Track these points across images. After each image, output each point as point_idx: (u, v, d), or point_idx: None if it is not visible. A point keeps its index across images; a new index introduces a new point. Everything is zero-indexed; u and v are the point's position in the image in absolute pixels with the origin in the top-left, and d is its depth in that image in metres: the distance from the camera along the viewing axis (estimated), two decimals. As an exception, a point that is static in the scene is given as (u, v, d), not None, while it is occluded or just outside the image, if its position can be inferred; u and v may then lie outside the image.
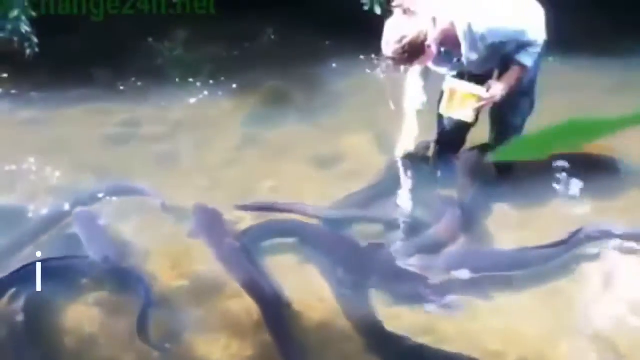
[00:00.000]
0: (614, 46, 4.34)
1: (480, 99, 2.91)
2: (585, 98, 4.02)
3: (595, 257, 2.85)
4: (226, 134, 3.82)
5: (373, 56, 4.52)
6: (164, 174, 3.47)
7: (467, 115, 2.98)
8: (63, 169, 3.47)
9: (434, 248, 2.88)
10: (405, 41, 2.63)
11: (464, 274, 2.70)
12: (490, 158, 3.39)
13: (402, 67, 2.90)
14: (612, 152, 3.56)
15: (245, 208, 3.12)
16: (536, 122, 3.18)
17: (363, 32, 4.48)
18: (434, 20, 2.68)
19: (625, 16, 4.46)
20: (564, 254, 2.81)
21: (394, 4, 2.68)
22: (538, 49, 2.84)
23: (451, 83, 2.97)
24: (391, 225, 3.06)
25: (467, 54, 2.80)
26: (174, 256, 2.92)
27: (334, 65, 4.53)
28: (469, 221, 3.03)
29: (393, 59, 2.71)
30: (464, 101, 2.93)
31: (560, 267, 2.79)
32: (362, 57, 4.54)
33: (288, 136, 3.78)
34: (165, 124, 3.92)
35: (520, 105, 3.12)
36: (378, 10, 4.29)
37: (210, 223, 3.06)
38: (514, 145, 0.81)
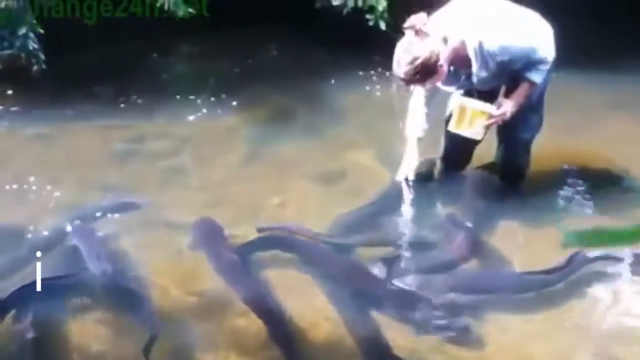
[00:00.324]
0: (614, 62, 4.36)
1: (490, 116, 2.94)
2: (585, 114, 4.06)
3: (603, 276, 2.85)
4: (231, 150, 3.83)
5: (372, 72, 4.56)
6: (169, 191, 3.47)
7: (476, 133, 3.00)
8: (69, 185, 3.48)
9: (444, 269, 2.87)
10: (417, 62, 2.66)
11: (463, 296, 2.68)
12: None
13: (412, 87, 2.93)
14: (620, 169, 3.58)
15: (263, 229, 3.09)
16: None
17: (367, 48, 4.57)
18: (445, 39, 2.71)
19: (626, 33, 4.50)
20: (566, 277, 2.80)
21: (406, 25, 2.69)
22: (548, 66, 2.87)
23: (461, 100, 2.98)
24: (397, 246, 3.03)
25: (478, 72, 2.82)
26: (181, 273, 2.91)
27: (336, 81, 4.54)
28: (479, 241, 3.02)
29: (404, 79, 2.73)
30: (474, 119, 2.95)
31: (568, 288, 2.79)
32: (361, 73, 4.58)
33: (293, 152, 3.79)
34: (170, 140, 3.92)
35: (529, 122, 3.14)
36: (383, 26, 4.34)
37: (209, 235, 3.07)
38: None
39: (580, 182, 3.50)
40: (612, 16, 4.60)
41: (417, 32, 2.67)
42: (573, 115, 3.95)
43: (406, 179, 3.18)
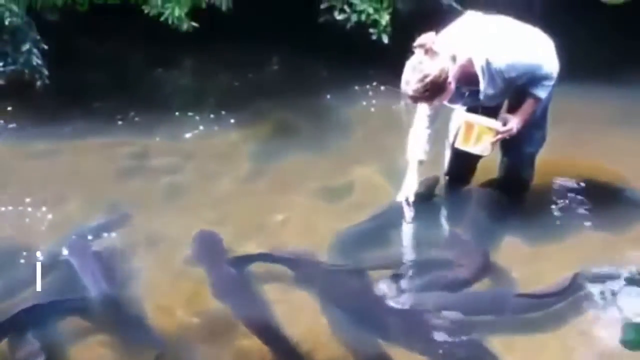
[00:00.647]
0: (617, 77, 4.36)
1: (497, 132, 2.95)
2: (585, 127, 4.05)
3: (605, 295, 2.84)
4: (234, 166, 3.83)
5: (373, 86, 4.57)
6: (173, 208, 3.47)
7: (484, 150, 3.01)
8: (74, 202, 3.48)
9: (454, 289, 2.86)
10: (427, 80, 2.68)
11: (455, 315, 2.66)
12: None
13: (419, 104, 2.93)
14: (621, 182, 3.58)
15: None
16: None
17: (368, 62, 4.58)
18: (454, 57, 2.73)
19: (626, 46, 4.51)
20: (566, 299, 2.79)
21: (415, 44, 2.71)
22: (552, 82, 2.89)
23: (467, 117, 2.99)
24: (403, 266, 3.02)
25: (485, 90, 2.83)
26: (185, 292, 2.91)
27: (338, 95, 4.56)
28: (491, 262, 3.00)
29: (413, 97, 2.76)
30: (481, 135, 2.96)
31: (572, 307, 2.78)
32: (362, 87, 4.59)
33: (296, 168, 3.79)
34: (174, 156, 3.92)
35: (533, 137, 3.17)
36: (385, 40, 4.36)
37: (208, 248, 3.08)
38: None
39: (582, 195, 3.50)
40: (612, 29, 4.60)
41: (427, 51, 2.69)
42: (574, 129, 3.95)
43: (407, 200, 3.17)
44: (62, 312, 2.76)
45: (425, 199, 3.30)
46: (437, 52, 2.69)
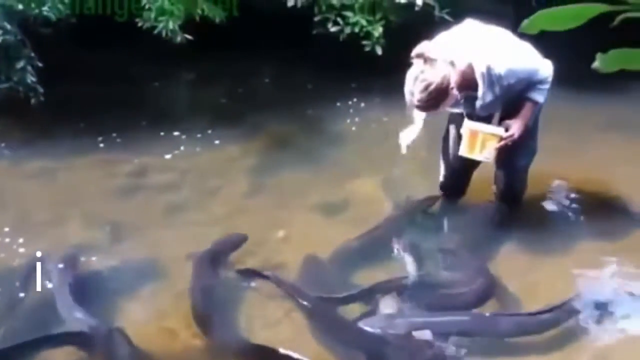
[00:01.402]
0: (605, 83, 4.38)
1: (500, 138, 2.97)
2: (577, 135, 4.12)
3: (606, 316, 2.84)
4: (233, 181, 3.85)
5: (367, 98, 4.59)
6: (173, 225, 3.47)
7: (488, 156, 3.04)
8: (73, 222, 3.47)
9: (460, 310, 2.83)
10: (431, 88, 2.72)
11: (426, 334, 2.61)
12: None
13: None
14: (613, 190, 3.64)
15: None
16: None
17: (362, 74, 4.62)
18: (452, 63, 2.75)
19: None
20: (564, 320, 2.74)
21: (413, 55, 2.74)
22: (548, 85, 2.93)
23: (471, 125, 3.01)
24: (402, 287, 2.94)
25: (483, 97, 2.86)
26: (189, 313, 2.87)
27: (333, 107, 4.60)
28: (495, 284, 2.97)
29: (420, 106, 2.80)
30: (486, 142, 2.99)
31: (576, 327, 2.77)
32: (356, 99, 4.63)
33: (294, 183, 3.81)
34: (172, 173, 3.93)
35: (526, 148, 3.20)
36: (379, 51, 4.39)
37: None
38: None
39: (576, 204, 3.57)
40: (602, 36, 4.64)
41: (426, 60, 2.72)
42: (565, 138, 4.02)
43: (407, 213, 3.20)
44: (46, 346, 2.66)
45: (423, 214, 3.34)
46: (436, 59, 2.72)
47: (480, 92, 2.84)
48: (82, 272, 3.05)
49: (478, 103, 2.89)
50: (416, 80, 2.73)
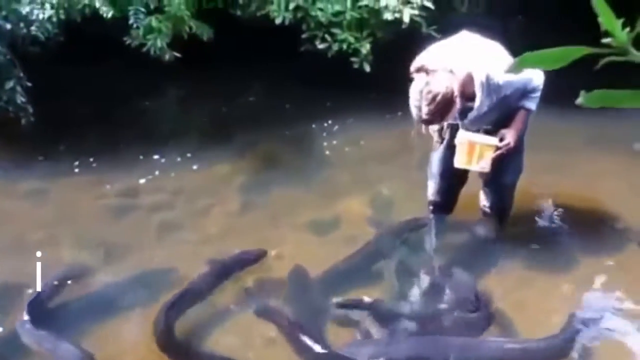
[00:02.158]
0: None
1: (496, 148, 2.98)
2: (564, 151, 4.16)
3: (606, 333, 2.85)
4: (225, 200, 3.87)
5: (356, 115, 4.61)
6: (166, 245, 3.49)
7: (484, 166, 3.04)
8: (66, 243, 3.49)
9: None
10: (438, 99, 2.68)
11: None
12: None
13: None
14: (600, 205, 3.68)
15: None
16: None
17: (350, 91, 4.66)
18: (451, 72, 2.73)
19: (605, 70, 4.61)
20: (565, 344, 2.75)
21: (413, 69, 2.74)
22: (539, 93, 2.95)
23: (468, 137, 3.00)
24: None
25: (479, 107, 2.85)
26: (185, 333, 2.88)
27: (321, 124, 4.63)
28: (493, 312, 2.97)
29: (427, 120, 2.76)
30: (483, 152, 2.98)
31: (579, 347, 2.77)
32: (345, 115, 4.66)
33: (286, 201, 3.84)
34: (164, 192, 3.95)
35: (513, 163, 3.20)
36: (367, 68, 4.43)
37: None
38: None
39: (564, 220, 3.60)
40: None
41: (427, 72, 2.70)
42: (553, 154, 4.06)
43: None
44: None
45: (413, 233, 3.39)
46: (436, 70, 2.70)
47: (477, 102, 2.83)
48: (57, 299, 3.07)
49: (472, 114, 2.88)
50: (421, 94, 2.69)
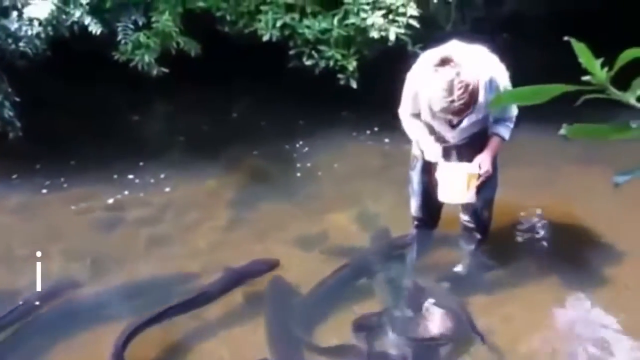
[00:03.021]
0: (579, 115, 4.50)
1: (479, 176, 2.96)
2: (548, 167, 4.20)
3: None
4: (212, 215, 3.90)
5: (343, 130, 4.65)
6: (154, 259, 3.52)
7: (472, 197, 3.01)
8: (55, 258, 3.49)
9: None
10: (470, 88, 2.66)
11: None
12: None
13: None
14: (586, 222, 3.70)
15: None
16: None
17: (337, 106, 4.71)
18: (459, 74, 2.67)
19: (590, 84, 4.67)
20: None
21: (437, 63, 2.68)
22: (512, 124, 2.99)
23: (457, 168, 2.97)
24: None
25: (477, 110, 2.82)
26: (173, 346, 2.94)
27: (308, 139, 4.65)
28: (462, 320, 3.03)
29: (459, 111, 2.72)
30: (470, 182, 2.94)
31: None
32: (332, 131, 4.68)
33: (273, 216, 3.87)
34: (151, 207, 3.97)
35: (488, 183, 3.14)
36: (354, 85, 4.49)
37: None
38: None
39: (548, 236, 3.65)
40: (569, 66, 4.78)
41: (455, 64, 2.65)
42: (538, 170, 4.11)
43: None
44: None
45: (398, 248, 3.44)
46: (462, 62, 2.66)
47: (480, 99, 2.76)
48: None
49: (471, 118, 2.85)
50: (452, 84, 2.62)
